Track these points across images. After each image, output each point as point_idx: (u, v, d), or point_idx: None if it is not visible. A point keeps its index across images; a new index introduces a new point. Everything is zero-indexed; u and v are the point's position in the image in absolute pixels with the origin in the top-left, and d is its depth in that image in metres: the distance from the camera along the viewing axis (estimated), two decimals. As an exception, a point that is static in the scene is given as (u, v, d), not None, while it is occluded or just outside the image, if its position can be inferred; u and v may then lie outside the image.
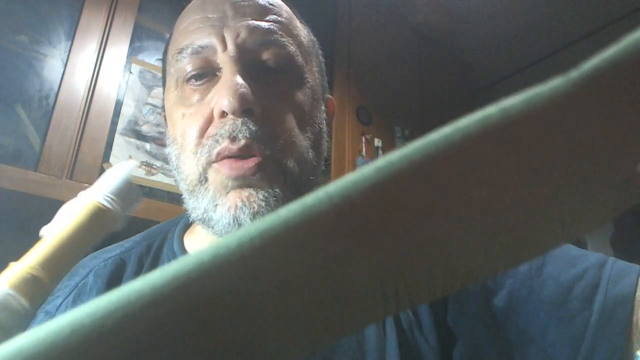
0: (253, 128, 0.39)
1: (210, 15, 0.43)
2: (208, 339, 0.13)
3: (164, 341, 0.12)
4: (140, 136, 1.24)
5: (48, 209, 1.16)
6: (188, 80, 0.43)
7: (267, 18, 0.44)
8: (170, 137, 0.45)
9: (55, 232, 0.26)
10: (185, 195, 0.44)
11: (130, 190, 0.30)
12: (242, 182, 0.39)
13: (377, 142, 1.80)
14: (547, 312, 0.37)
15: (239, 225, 0.39)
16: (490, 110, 0.13)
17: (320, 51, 0.52)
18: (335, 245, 0.13)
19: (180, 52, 0.43)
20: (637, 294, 0.34)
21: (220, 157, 0.40)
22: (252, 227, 0.13)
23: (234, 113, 0.39)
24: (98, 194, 0.29)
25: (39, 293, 0.23)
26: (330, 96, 0.54)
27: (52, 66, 1.15)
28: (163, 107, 0.50)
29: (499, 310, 0.39)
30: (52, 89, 1.13)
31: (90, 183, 1.17)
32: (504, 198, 0.14)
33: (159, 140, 1.26)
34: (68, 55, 1.17)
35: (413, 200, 0.13)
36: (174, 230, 0.51)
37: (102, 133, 1.17)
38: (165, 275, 0.11)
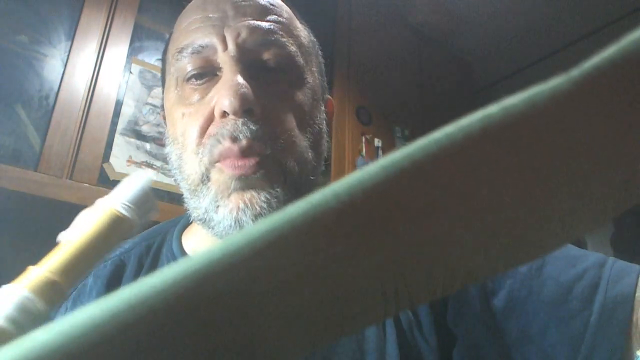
0: (253, 128, 0.39)
1: (210, 15, 0.43)
2: (208, 339, 0.13)
3: (164, 341, 0.12)
4: (140, 136, 1.24)
5: (48, 209, 1.17)
6: (188, 79, 0.42)
7: (267, 18, 0.44)
8: (170, 137, 0.45)
9: (73, 238, 0.27)
10: (186, 195, 0.44)
11: (147, 199, 0.31)
12: (245, 183, 0.39)
13: (377, 142, 1.80)
14: (546, 312, 0.37)
15: (241, 227, 0.39)
16: (491, 109, 0.13)
17: (320, 52, 0.52)
18: (336, 245, 0.13)
19: (180, 51, 0.43)
20: (637, 294, 0.34)
21: (222, 157, 0.40)
22: (252, 229, 0.12)
23: (234, 113, 0.39)
24: (116, 201, 0.29)
25: (56, 297, 0.24)
26: (330, 97, 0.54)
27: (52, 66, 1.15)
28: (162, 107, 0.50)
29: (498, 310, 0.39)
30: (52, 89, 1.13)
31: (90, 183, 1.16)
32: (504, 197, 0.14)
33: (159, 140, 1.26)
34: (68, 55, 1.17)
35: (414, 199, 0.13)
36: (173, 231, 0.51)
37: (102, 133, 1.17)
38: (166, 277, 0.11)
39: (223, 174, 0.40)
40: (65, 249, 0.26)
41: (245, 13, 0.43)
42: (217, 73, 0.42)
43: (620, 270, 0.36)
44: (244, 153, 0.39)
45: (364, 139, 1.76)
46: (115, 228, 0.28)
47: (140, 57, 1.30)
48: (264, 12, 0.44)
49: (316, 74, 0.48)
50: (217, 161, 0.40)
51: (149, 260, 0.48)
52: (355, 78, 1.82)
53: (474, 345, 0.39)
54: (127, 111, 1.23)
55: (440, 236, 0.15)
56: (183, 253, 0.48)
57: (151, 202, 0.30)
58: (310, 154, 0.44)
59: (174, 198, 1.22)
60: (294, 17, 0.48)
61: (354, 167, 1.69)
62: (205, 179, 0.41)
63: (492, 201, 0.14)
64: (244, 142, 0.39)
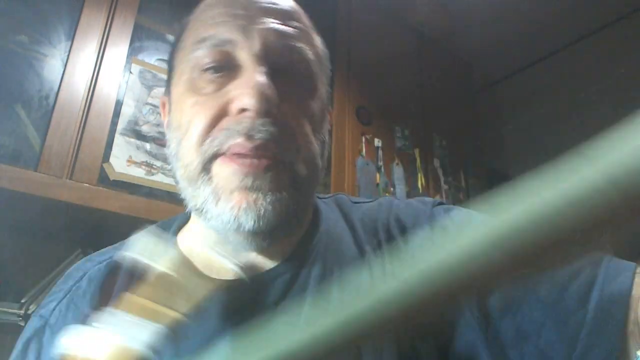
0: (272, 129, 0.39)
1: (237, 12, 0.43)
2: None
3: None
4: (140, 136, 1.24)
5: (48, 209, 1.17)
6: (205, 70, 0.43)
7: (291, 23, 0.44)
8: (174, 123, 0.45)
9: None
10: (181, 184, 0.44)
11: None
12: (252, 182, 0.39)
13: (377, 142, 1.80)
14: (542, 311, 0.37)
15: (239, 225, 0.39)
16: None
17: (329, 64, 0.52)
18: None
19: (202, 41, 0.43)
20: (633, 292, 0.34)
21: (231, 152, 0.40)
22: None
23: (257, 113, 0.39)
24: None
25: (176, 329, 0.30)
26: (330, 108, 0.54)
27: (52, 66, 1.15)
28: (166, 91, 0.49)
29: (494, 309, 0.39)
30: (52, 89, 1.13)
31: (90, 183, 1.16)
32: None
33: (159, 140, 1.26)
34: (68, 55, 1.17)
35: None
36: (168, 232, 0.51)
37: (102, 133, 1.17)
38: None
39: (226, 169, 0.40)
40: (157, 283, 0.30)
41: (271, 15, 0.43)
42: (235, 69, 0.42)
43: (616, 269, 0.36)
44: (257, 152, 0.39)
45: (364, 139, 1.76)
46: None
47: (140, 57, 1.30)
48: (288, 17, 0.45)
49: (325, 85, 0.49)
50: (222, 154, 0.40)
51: None
52: (355, 78, 1.82)
53: (471, 345, 0.39)
54: (127, 111, 1.23)
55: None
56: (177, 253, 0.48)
57: None
58: (319, 161, 0.45)
59: (174, 198, 1.22)
60: (312, 27, 0.49)
61: (354, 167, 1.69)
62: (205, 169, 0.41)
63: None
64: (259, 141, 0.39)
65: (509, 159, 2.51)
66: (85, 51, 1.19)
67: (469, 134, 2.25)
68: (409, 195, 1.81)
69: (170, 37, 1.35)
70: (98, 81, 1.19)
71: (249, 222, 0.39)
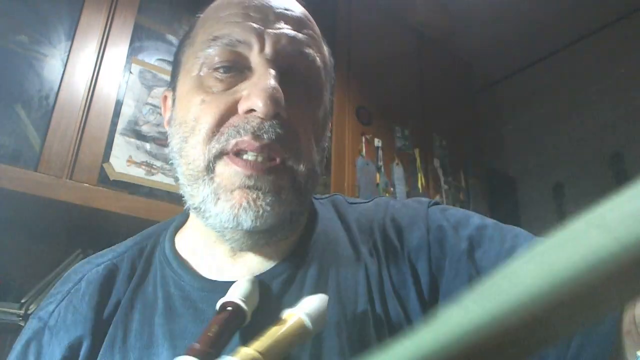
0: (279, 131, 0.40)
1: (252, 14, 0.44)
2: None
3: None
4: (140, 136, 1.24)
5: (48, 209, 1.17)
6: (216, 69, 0.43)
7: (303, 31, 0.45)
8: (178, 119, 0.45)
9: (276, 330, 0.35)
10: (182, 181, 0.44)
11: (324, 317, 0.37)
12: (253, 181, 0.40)
13: (377, 142, 1.80)
14: None
15: (238, 223, 0.40)
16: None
17: (333, 74, 0.53)
18: None
19: (215, 39, 0.43)
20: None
21: (237, 149, 0.40)
22: None
23: (265, 115, 0.40)
24: (305, 313, 0.36)
25: None
26: (331, 117, 0.55)
27: (52, 66, 1.15)
28: (170, 88, 0.50)
29: None
30: (52, 89, 1.13)
31: (90, 183, 1.16)
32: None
33: (159, 140, 1.27)
34: (68, 55, 1.17)
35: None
36: (166, 234, 0.51)
37: (102, 133, 1.17)
38: None
39: (229, 169, 0.40)
40: (267, 339, 0.34)
41: (285, 21, 0.44)
42: (245, 71, 0.43)
43: None
44: (263, 151, 0.40)
45: (364, 139, 1.76)
46: (299, 334, 0.35)
47: (140, 57, 1.30)
48: (301, 24, 0.46)
49: (329, 93, 0.50)
50: (228, 153, 0.41)
51: (142, 264, 0.49)
52: (355, 78, 1.82)
53: None
54: (127, 111, 1.23)
55: None
56: (175, 254, 0.48)
57: (324, 320, 0.37)
58: (318, 166, 0.45)
59: (174, 198, 1.22)
60: (321, 36, 0.50)
61: (354, 167, 1.69)
62: (210, 168, 0.41)
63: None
64: (266, 141, 0.40)
65: (509, 159, 2.51)
66: (85, 51, 1.19)
67: (469, 134, 2.25)
68: (409, 195, 1.81)
69: (171, 37, 1.35)
70: (98, 81, 1.19)
71: (247, 221, 0.40)
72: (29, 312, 1.07)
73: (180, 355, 0.34)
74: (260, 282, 0.43)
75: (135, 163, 1.21)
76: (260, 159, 0.40)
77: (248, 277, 0.43)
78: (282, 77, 0.42)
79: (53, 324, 0.45)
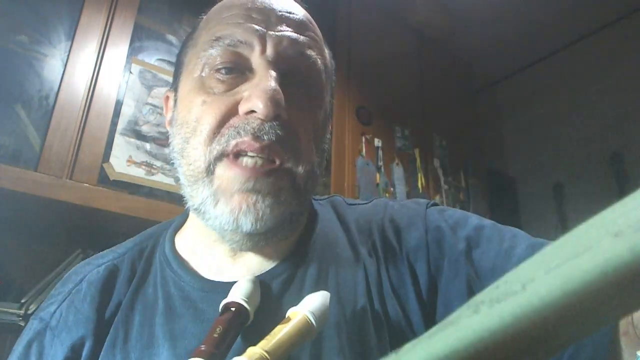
0: (279, 132, 0.41)
1: (254, 16, 0.44)
2: None
3: None
4: (140, 136, 1.24)
5: (48, 209, 1.17)
6: (217, 70, 0.43)
7: (305, 33, 0.46)
8: (179, 120, 0.45)
9: (280, 329, 0.36)
10: (183, 181, 0.44)
11: (326, 316, 0.38)
12: (252, 184, 0.40)
13: (377, 142, 1.80)
14: None
15: (238, 226, 0.40)
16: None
17: (334, 77, 0.54)
18: None
19: (217, 39, 0.43)
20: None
21: (237, 150, 0.40)
22: None
23: (266, 116, 0.40)
24: (309, 311, 0.37)
25: None
26: (331, 119, 0.55)
27: (52, 66, 1.15)
28: (172, 88, 0.50)
29: None
30: (52, 89, 1.13)
31: (90, 183, 1.16)
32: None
33: (159, 140, 1.27)
34: (68, 55, 1.17)
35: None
36: (166, 235, 0.51)
37: (102, 133, 1.17)
38: None
39: (229, 171, 0.41)
40: (272, 337, 0.35)
41: (287, 24, 0.45)
42: (247, 72, 0.43)
43: None
44: (263, 152, 0.40)
45: (364, 139, 1.76)
46: (304, 332, 0.36)
47: (140, 57, 1.30)
48: (303, 27, 0.46)
49: (329, 96, 0.51)
50: (229, 154, 0.41)
51: (142, 265, 0.49)
52: (355, 78, 1.82)
53: None
54: (127, 111, 1.23)
55: None
56: (176, 255, 0.48)
57: (327, 317, 0.38)
58: (317, 167, 0.46)
59: (174, 198, 1.22)
60: (323, 39, 0.51)
61: (354, 167, 1.69)
62: (210, 169, 0.41)
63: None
64: (266, 142, 0.40)
65: (509, 159, 2.51)
66: (85, 51, 1.20)
67: (469, 134, 2.25)
68: (408, 195, 1.81)
69: (171, 37, 1.35)
70: (98, 81, 1.19)
71: (247, 224, 0.40)
72: (29, 312, 1.07)
73: (181, 356, 0.34)
74: (261, 282, 0.43)
75: (135, 163, 1.21)
76: (259, 162, 0.40)
77: (249, 277, 0.43)
78: (283, 79, 0.42)
79: (55, 324, 0.45)
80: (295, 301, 0.38)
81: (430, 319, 0.42)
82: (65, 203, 1.07)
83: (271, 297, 0.43)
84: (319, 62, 0.46)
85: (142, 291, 0.46)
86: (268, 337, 0.35)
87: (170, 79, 1.28)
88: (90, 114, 1.16)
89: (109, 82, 1.21)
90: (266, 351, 0.33)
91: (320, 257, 0.46)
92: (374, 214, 0.51)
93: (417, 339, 0.18)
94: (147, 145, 1.24)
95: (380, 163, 1.78)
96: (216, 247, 0.46)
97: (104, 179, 1.14)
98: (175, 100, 0.48)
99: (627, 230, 0.14)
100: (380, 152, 1.79)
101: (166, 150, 1.29)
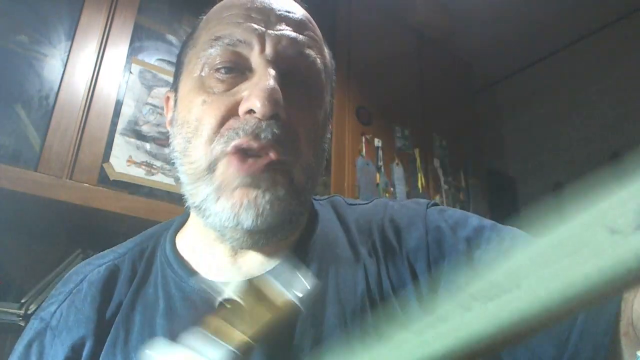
0: (277, 132, 0.41)
1: (254, 16, 0.44)
2: None
3: None
4: (140, 136, 1.24)
5: (48, 209, 1.17)
6: (217, 69, 0.43)
7: (305, 33, 0.46)
8: (180, 120, 0.45)
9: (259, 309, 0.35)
10: (184, 180, 0.44)
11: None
12: (251, 180, 0.40)
13: (377, 142, 1.80)
14: None
15: (238, 222, 0.40)
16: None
17: (334, 77, 0.54)
18: None
19: (216, 39, 0.44)
20: (624, 294, 0.34)
21: (236, 149, 0.40)
22: None
23: (263, 115, 0.40)
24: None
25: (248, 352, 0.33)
26: (331, 119, 0.55)
27: (52, 66, 1.15)
28: (172, 88, 0.50)
29: None
30: (52, 89, 1.13)
31: (90, 183, 1.16)
32: None
33: (159, 140, 1.27)
34: (68, 55, 1.17)
35: None
36: (166, 235, 0.51)
37: (102, 133, 1.17)
38: None
39: (230, 169, 0.41)
40: (249, 318, 0.34)
41: (287, 23, 0.45)
42: (246, 72, 0.43)
43: None
44: (262, 151, 0.40)
45: (364, 139, 1.76)
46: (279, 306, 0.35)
47: (140, 57, 1.30)
48: (302, 26, 0.46)
49: (329, 96, 0.51)
50: (229, 153, 0.41)
51: (143, 265, 0.49)
52: (355, 78, 1.82)
53: None
54: (127, 111, 1.23)
55: None
56: (176, 255, 0.48)
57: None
58: (317, 167, 0.46)
59: (174, 198, 1.22)
60: (323, 39, 0.51)
61: (354, 167, 1.69)
62: (211, 168, 0.42)
63: None
64: (264, 142, 0.40)
65: (509, 159, 2.51)
66: (85, 51, 1.19)
67: (469, 134, 2.25)
68: (409, 195, 1.81)
69: (171, 37, 1.35)
70: (98, 81, 1.19)
71: (248, 220, 0.40)
72: (29, 312, 1.07)
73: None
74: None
75: (135, 163, 1.21)
76: (257, 159, 0.41)
77: (246, 279, 0.43)
78: (283, 78, 0.42)
79: (55, 324, 0.45)
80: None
81: None
82: (65, 203, 1.07)
83: None
84: (319, 61, 0.46)
85: (142, 291, 0.46)
86: (247, 320, 0.34)
87: (170, 79, 1.27)
88: (90, 114, 1.16)
89: (109, 82, 1.21)
90: (244, 333, 0.33)
91: (321, 257, 0.46)
92: (374, 214, 0.51)
93: (405, 334, 0.17)
94: (147, 145, 1.24)
95: (380, 163, 1.78)
96: (216, 246, 0.46)
97: (104, 179, 1.14)
98: (176, 101, 0.48)
99: (623, 227, 0.14)
100: (380, 152, 1.79)
101: (166, 150, 1.29)
